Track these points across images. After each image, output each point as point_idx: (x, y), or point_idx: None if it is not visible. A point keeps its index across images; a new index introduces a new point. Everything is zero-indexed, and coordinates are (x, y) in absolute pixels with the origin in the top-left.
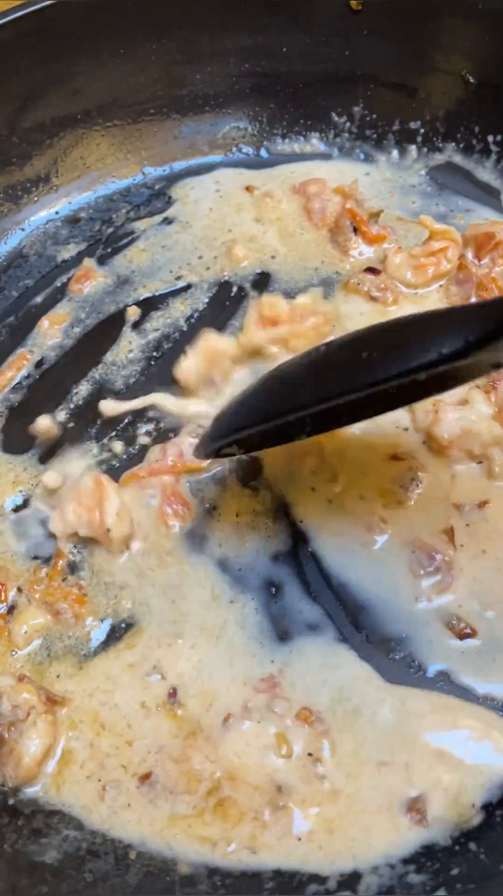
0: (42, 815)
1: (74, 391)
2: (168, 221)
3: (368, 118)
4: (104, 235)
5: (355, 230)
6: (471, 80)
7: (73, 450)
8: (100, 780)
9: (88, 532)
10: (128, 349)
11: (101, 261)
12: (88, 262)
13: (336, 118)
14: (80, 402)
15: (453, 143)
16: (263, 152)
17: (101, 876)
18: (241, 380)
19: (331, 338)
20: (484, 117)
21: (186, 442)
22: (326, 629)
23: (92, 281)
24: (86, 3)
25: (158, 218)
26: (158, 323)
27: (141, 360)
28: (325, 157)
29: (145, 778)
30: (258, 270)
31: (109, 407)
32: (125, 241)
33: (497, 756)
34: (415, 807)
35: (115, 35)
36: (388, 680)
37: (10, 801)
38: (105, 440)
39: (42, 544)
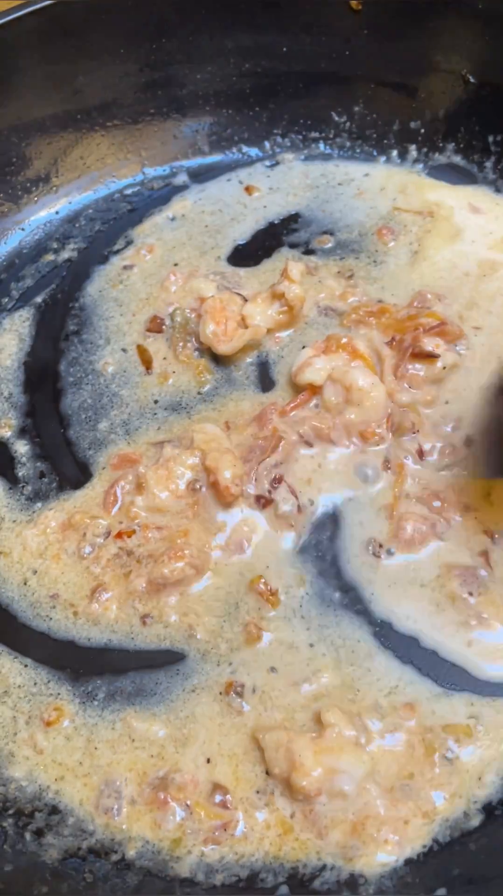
0: (42, 814)
1: None
2: (169, 220)
3: (368, 118)
4: (104, 235)
5: None
6: (471, 80)
7: None
8: None
9: None
10: None
11: (102, 261)
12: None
13: (336, 118)
14: None
15: (453, 143)
16: (263, 152)
17: (101, 876)
18: None
19: None
20: (484, 117)
21: None
22: None
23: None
24: (86, 3)
25: (159, 218)
26: None
27: None
28: (326, 157)
29: None
30: None
31: None
32: (125, 241)
33: None
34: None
35: (115, 35)
36: None
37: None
38: None
39: None
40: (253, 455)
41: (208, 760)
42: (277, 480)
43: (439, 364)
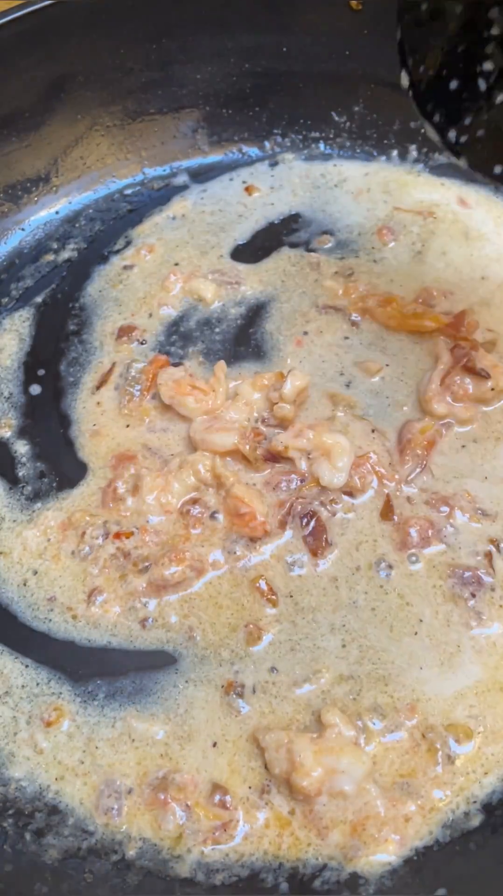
0: (42, 814)
1: None
2: (170, 220)
3: (368, 118)
4: (104, 235)
5: None
6: None
7: None
8: None
9: None
10: None
11: (102, 261)
12: None
13: (336, 118)
14: None
15: None
16: (263, 152)
17: (101, 876)
18: None
19: None
20: None
21: None
22: None
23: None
24: (86, 3)
25: (159, 218)
26: None
27: None
28: (326, 157)
29: None
30: None
31: None
32: (125, 241)
33: None
34: None
35: (115, 35)
36: None
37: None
38: None
39: None
40: (280, 482)
41: (214, 744)
42: (310, 516)
43: (488, 384)
